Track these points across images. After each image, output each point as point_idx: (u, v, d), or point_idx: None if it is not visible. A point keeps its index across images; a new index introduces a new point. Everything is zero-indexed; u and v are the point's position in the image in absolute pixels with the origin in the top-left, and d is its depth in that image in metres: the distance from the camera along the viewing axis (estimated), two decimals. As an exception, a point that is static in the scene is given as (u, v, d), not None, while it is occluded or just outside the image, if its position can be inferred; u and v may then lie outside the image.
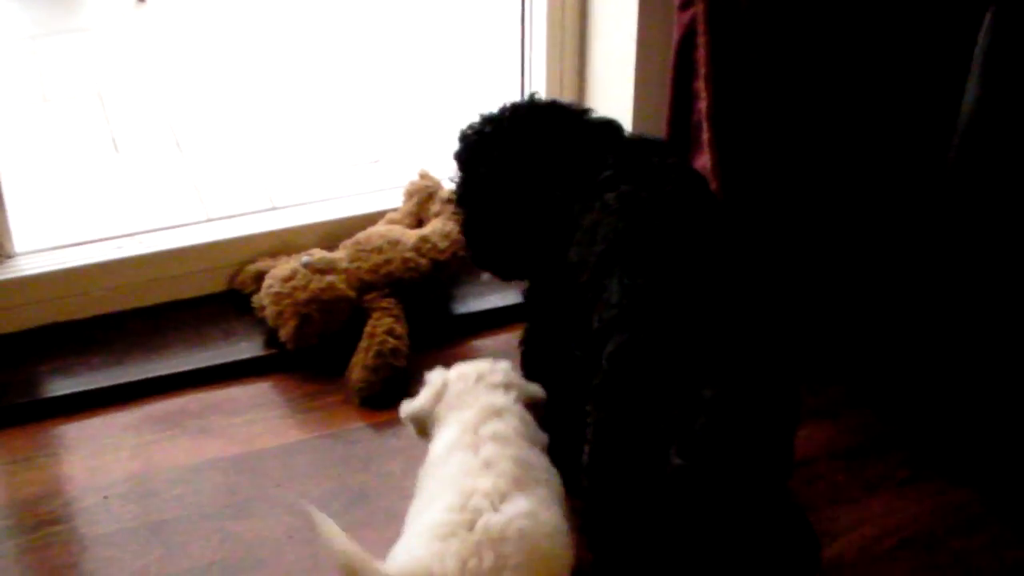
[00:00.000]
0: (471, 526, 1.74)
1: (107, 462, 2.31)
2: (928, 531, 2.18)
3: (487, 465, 1.84)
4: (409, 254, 2.60)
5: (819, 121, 2.46)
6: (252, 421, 2.40)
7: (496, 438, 1.89)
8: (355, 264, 2.60)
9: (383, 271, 2.59)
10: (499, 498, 1.78)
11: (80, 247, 2.67)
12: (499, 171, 2.17)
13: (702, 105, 2.39)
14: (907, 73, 2.46)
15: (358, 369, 2.46)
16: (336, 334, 2.54)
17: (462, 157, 2.26)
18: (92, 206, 3.05)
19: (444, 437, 1.96)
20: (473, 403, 1.97)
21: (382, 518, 2.19)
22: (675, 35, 2.40)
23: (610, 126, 2.16)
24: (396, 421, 2.37)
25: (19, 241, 2.63)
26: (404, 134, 3.42)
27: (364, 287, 2.58)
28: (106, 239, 2.70)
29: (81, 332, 2.59)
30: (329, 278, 2.55)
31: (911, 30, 2.43)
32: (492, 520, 1.74)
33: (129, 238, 2.70)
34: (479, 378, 2.01)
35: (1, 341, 2.55)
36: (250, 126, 3.48)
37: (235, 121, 3.51)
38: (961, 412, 2.39)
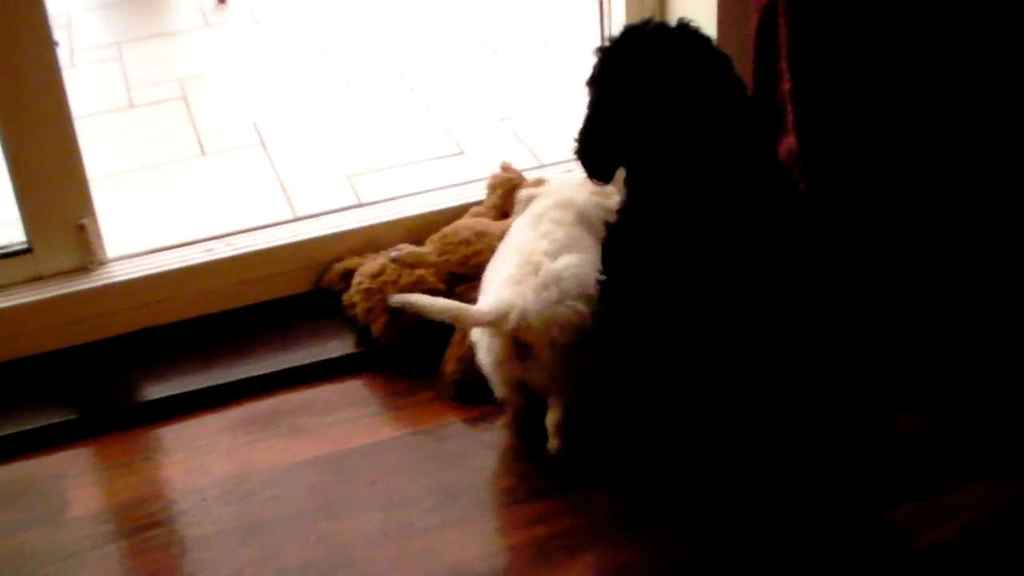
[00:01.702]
0: (536, 271, 2.22)
1: (203, 464, 2.33)
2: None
3: (543, 236, 2.32)
4: (497, 244, 2.59)
5: (908, 104, 2.40)
6: (343, 420, 2.41)
7: (553, 220, 2.35)
8: (443, 257, 2.60)
9: (472, 262, 2.59)
10: (553, 256, 2.25)
11: (170, 251, 2.69)
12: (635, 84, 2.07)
13: (786, 86, 2.35)
14: (1005, 54, 2.38)
15: (452, 361, 2.46)
16: (427, 329, 2.53)
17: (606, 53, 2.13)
18: (180, 209, 3.08)
19: (518, 221, 2.44)
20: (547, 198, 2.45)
21: (476, 513, 2.18)
22: (753, 16, 2.36)
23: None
24: (487, 416, 2.39)
25: (110, 247, 2.66)
26: (487, 125, 3.41)
27: (454, 279, 2.58)
28: (195, 242, 2.71)
29: (173, 336, 2.62)
30: (419, 271, 2.54)
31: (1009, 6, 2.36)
32: (551, 266, 2.22)
33: (218, 240, 2.72)
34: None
35: (95, 347, 2.59)
36: (334, 123, 3.49)
37: (319, 118, 3.53)
38: None
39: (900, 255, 2.42)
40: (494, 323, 2.18)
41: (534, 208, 2.46)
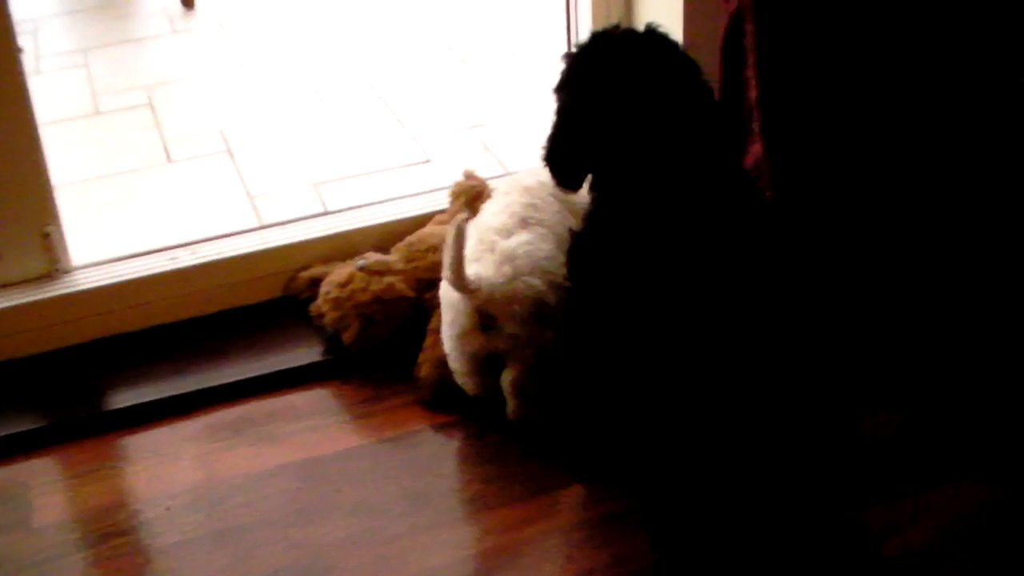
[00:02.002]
0: (492, 249, 2.33)
1: (170, 472, 2.32)
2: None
3: (493, 215, 2.42)
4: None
5: (876, 111, 2.41)
6: (312, 428, 2.40)
7: (504, 202, 2.45)
8: (411, 264, 2.60)
9: (440, 268, 2.59)
10: (507, 233, 2.36)
11: (135, 259, 2.68)
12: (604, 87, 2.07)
13: (752, 94, 2.36)
14: (973, 59, 2.39)
15: (426, 366, 2.46)
16: (398, 336, 2.53)
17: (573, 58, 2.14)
18: (146, 217, 3.06)
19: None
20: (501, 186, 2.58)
21: (445, 519, 2.18)
22: (721, 23, 2.37)
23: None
24: (456, 423, 2.39)
25: (75, 255, 2.64)
26: (454, 133, 3.41)
27: (423, 286, 2.57)
28: (161, 250, 2.70)
29: (139, 344, 2.60)
30: (388, 279, 2.54)
31: (978, 11, 2.37)
32: (504, 244, 2.33)
33: (183, 248, 2.71)
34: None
35: (60, 355, 2.57)
36: (300, 130, 3.49)
37: (286, 126, 3.52)
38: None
39: (869, 260, 2.43)
40: (472, 291, 2.28)
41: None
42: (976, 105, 2.39)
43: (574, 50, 2.11)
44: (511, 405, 2.34)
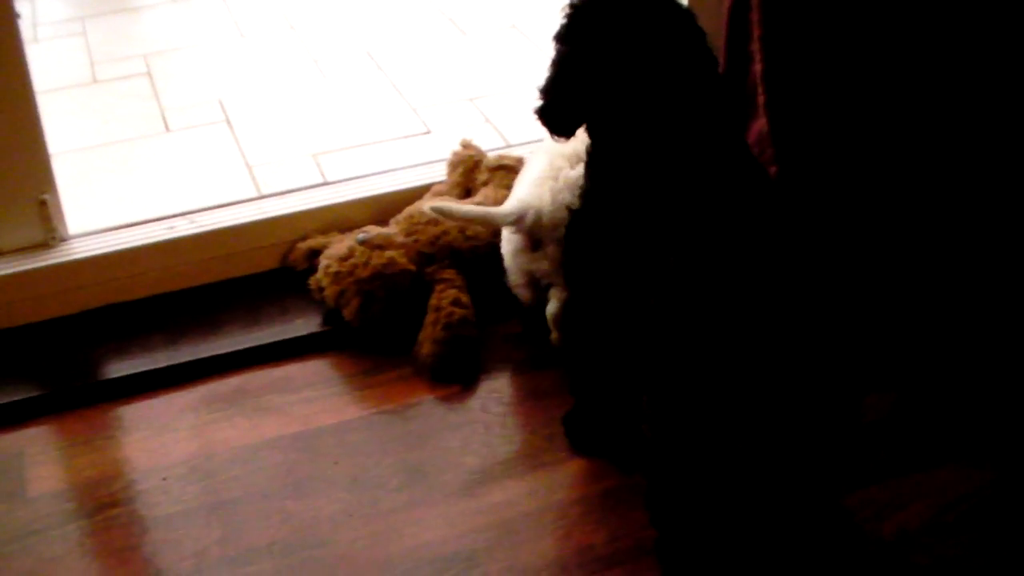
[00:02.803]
0: (556, 176, 2.39)
1: (166, 443, 2.31)
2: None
3: (567, 145, 2.33)
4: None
5: (882, 85, 2.38)
6: (309, 399, 2.39)
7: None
8: (412, 238, 2.58)
9: (442, 242, 2.57)
10: (576, 160, 2.35)
11: (132, 228, 2.66)
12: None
13: (757, 68, 2.34)
14: (980, 35, 2.37)
15: (428, 343, 2.45)
16: (397, 310, 2.52)
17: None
18: (144, 186, 3.05)
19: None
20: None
21: (442, 493, 2.17)
22: (726, -2, 2.35)
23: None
24: (454, 396, 2.38)
25: (72, 223, 2.62)
26: (454, 105, 3.39)
27: (424, 260, 2.56)
28: (158, 219, 2.69)
29: (136, 313, 2.59)
30: (389, 253, 2.52)
31: None
32: (570, 173, 2.37)
33: (181, 217, 2.69)
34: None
35: (57, 324, 2.56)
36: (300, 101, 3.47)
37: (285, 96, 3.50)
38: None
39: (871, 238, 2.42)
40: (514, 222, 2.39)
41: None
42: (983, 81, 2.37)
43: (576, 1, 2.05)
44: (553, 334, 2.43)
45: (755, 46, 2.34)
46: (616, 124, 1.99)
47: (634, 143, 1.96)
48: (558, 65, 2.05)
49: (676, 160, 1.92)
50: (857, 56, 2.35)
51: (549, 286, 2.43)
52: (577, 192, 2.24)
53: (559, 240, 2.31)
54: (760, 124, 2.37)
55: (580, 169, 2.29)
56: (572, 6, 2.03)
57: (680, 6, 2.01)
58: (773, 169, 2.33)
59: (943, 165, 2.41)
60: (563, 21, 2.04)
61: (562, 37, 2.04)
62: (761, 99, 2.35)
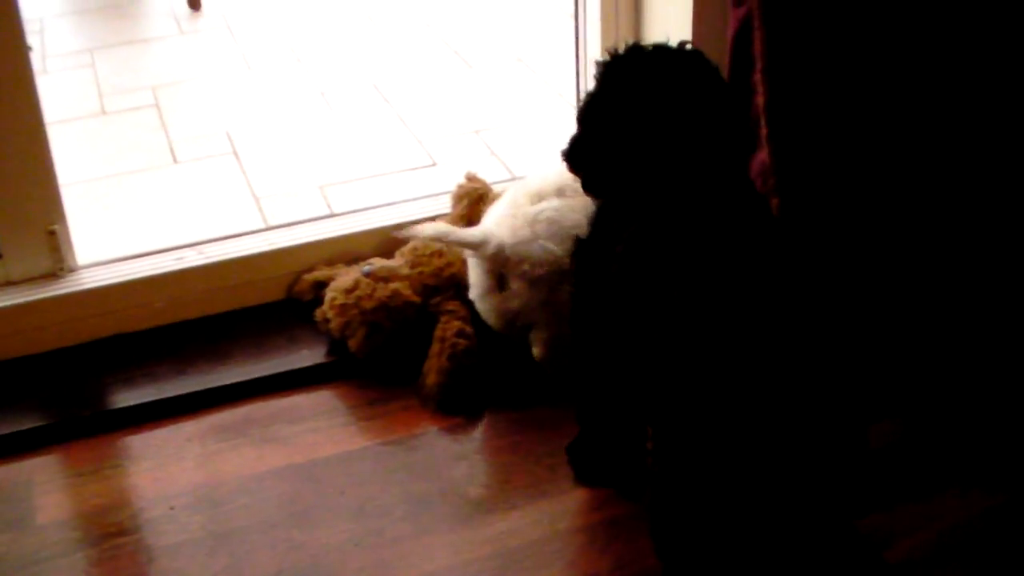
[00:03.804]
0: (515, 213, 2.44)
1: (172, 473, 2.32)
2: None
3: (546, 178, 2.49)
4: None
5: (885, 119, 2.40)
6: (315, 429, 2.40)
7: (540, 177, 2.51)
8: (417, 270, 2.60)
9: (446, 273, 2.59)
10: (537, 198, 2.45)
11: (141, 259, 2.68)
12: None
13: (759, 100, 2.36)
14: (982, 71, 2.38)
15: (432, 374, 2.46)
16: (402, 341, 2.53)
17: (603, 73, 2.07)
18: (152, 217, 3.07)
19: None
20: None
21: (447, 523, 2.18)
22: (730, 29, 2.37)
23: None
24: (459, 426, 2.39)
25: (81, 254, 2.64)
26: (460, 137, 3.41)
27: (429, 291, 2.57)
28: (166, 250, 2.70)
29: (144, 343, 2.60)
30: (393, 285, 2.54)
31: (988, 24, 2.36)
32: (529, 209, 2.43)
33: (189, 248, 2.71)
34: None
35: (65, 354, 2.57)
36: (307, 133, 3.49)
37: (292, 128, 3.52)
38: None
39: (874, 268, 2.43)
40: (476, 247, 2.42)
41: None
42: (985, 116, 2.39)
43: (608, 58, 2.06)
44: (536, 351, 2.45)
45: (758, 76, 2.35)
46: (643, 174, 2.00)
47: (655, 188, 1.97)
48: (590, 124, 2.05)
49: (685, 198, 1.93)
50: (861, 89, 2.36)
51: (528, 326, 2.45)
52: (542, 229, 2.39)
53: (525, 276, 2.39)
54: (762, 156, 2.38)
55: (540, 206, 2.44)
56: (604, 64, 2.04)
57: (709, 63, 2.01)
58: (775, 201, 2.34)
59: (947, 200, 2.42)
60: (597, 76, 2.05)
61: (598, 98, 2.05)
62: (764, 131, 2.36)
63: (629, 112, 1.98)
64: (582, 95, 2.84)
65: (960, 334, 2.45)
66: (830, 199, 2.41)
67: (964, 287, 2.45)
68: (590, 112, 2.04)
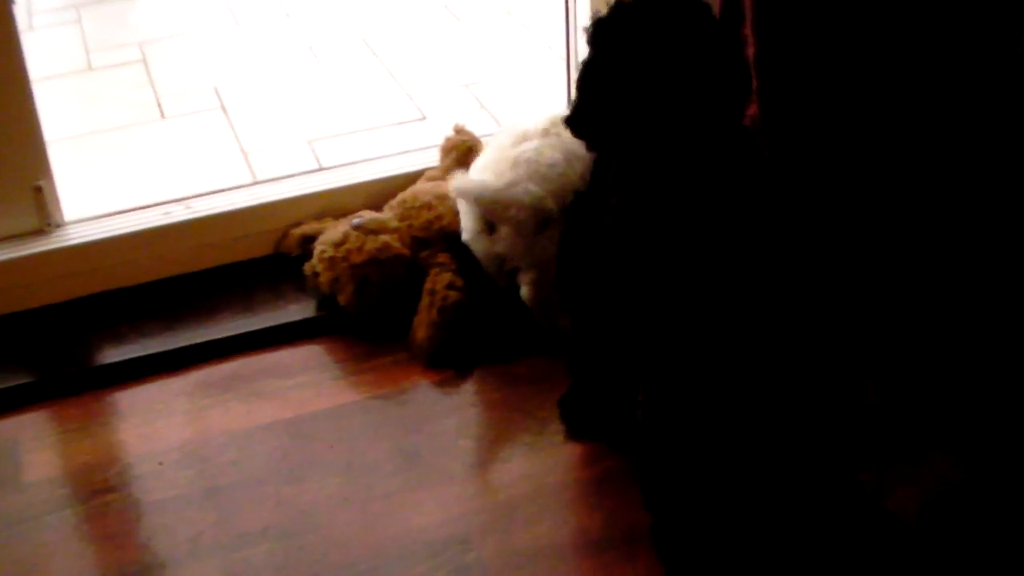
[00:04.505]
0: (502, 156, 2.45)
1: (160, 429, 2.31)
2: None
3: (534, 119, 2.51)
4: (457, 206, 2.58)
5: (875, 70, 2.37)
6: (304, 384, 2.39)
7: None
8: (406, 222, 2.58)
9: (436, 226, 2.57)
10: (522, 139, 2.46)
11: (128, 214, 2.66)
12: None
13: (750, 51, 2.34)
14: (974, 27, 2.35)
15: (422, 328, 2.44)
16: (392, 295, 2.52)
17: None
18: (139, 173, 3.05)
19: None
20: None
21: (437, 477, 2.17)
22: (720, -20, 2.34)
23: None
24: (448, 380, 2.38)
25: (67, 210, 2.62)
26: (449, 91, 3.39)
27: (418, 244, 2.56)
28: (154, 205, 2.68)
29: (131, 299, 2.58)
30: (383, 237, 2.52)
31: None
32: (510, 152, 2.43)
33: (176, 203, 2.69)
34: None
35: (52, 310, 2.55)
36: (295, 87, 3.47)
37: (280, 83, 3.50)
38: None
39: (862, 222, 2.42)
40: (465, 195, 2.43)
41: None
42: (976, 72, 2.37)
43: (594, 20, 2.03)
44: (524, 292, 2.46)
45: (748, 29, 2.33)
46: (642, 134, 1.97)
47: (652, 142, 1.95)
48: (588, 73, 2.03)
49: (681, 150, 1.91)
50: (850, 42, 2.34)
51: (515, 270, 2.45)
52: (523, 171, 2.38)
53: (511, 220, 2.38)
54: (752, 110, 2.36)
55: (521, 147, 2.44)
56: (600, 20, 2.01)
57: (712, 16, 1.98)
58: (764, 154, 2.32)
59: (934, 151, 2.41)
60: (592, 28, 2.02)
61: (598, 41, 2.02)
62: (754, 84, 2.34)
63: (626, 74, 1.96)
64: (572, 48, 2.84)
65: (948, 292, 2.44)
66: (819, 153, 2.40)
67: (952, 246, 2.44)
68: (588, 79, 2.02)
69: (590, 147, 2.07)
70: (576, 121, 2.04)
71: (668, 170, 1.90)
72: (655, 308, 1.85)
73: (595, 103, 1.99)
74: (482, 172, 2.46)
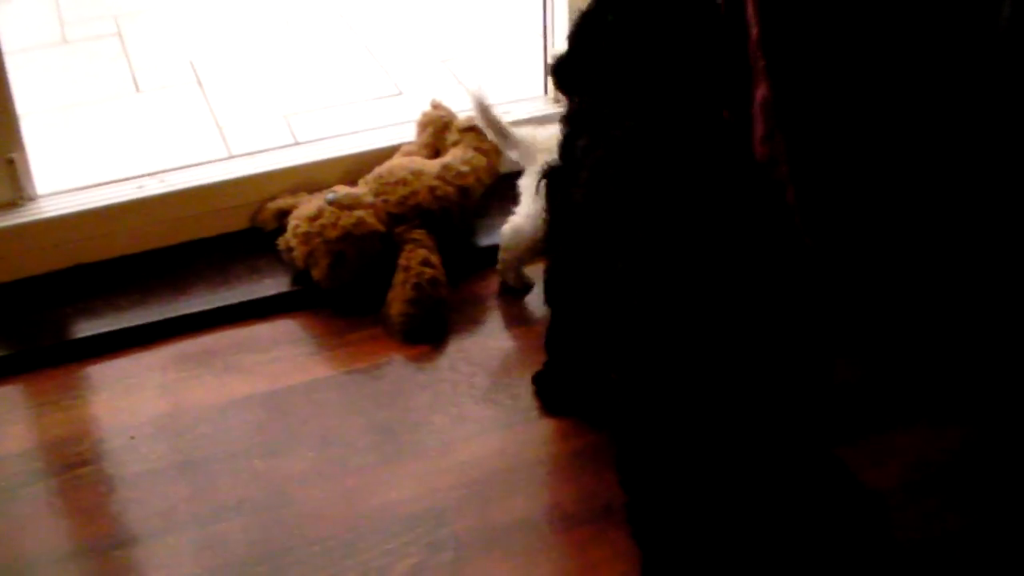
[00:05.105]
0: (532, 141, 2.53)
1: (134, 402, 2.30)
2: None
3: None
4: (434, 182, 2.57)
5: (884, 52, 2.36)
6: (278, 359, 2.39)
7: None
8: (381, 198, 2.57)
9: (411, 202, 2.56)
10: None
11: (101, 187, 2.65)
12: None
13: (753, 33, 2.33)
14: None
15: (397, 303, 2.44)
16: (367, 270, 2.51)
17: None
18: (114, 146, 3.03)
19: None
20: None
21: (410, 453, 2.17)
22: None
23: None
24: (422, 356, 2.38)
25: (41, 183, 2.60)
26: (426, 66, 3.38)
27: (393, 220, 2.55)
28: (127, 179, 2.67)
29: (105, 273, 2.57)
30: (358, 213, 2.51)
31: None
32: (539, 135, 2.51)
33: (150, 177, 2.67)
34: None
35: (26, 284, 2.54)
36: (271, 61, 3.45)
37: (256, 57, 3.48)
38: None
39: (863, 207, 2.41)
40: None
41: None
42: (980, 46, 2.36)
43: None
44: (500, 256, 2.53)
45: (751, 11, 2.32)
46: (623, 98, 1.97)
47: (628, 105, 1.95)
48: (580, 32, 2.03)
49: (656, 124, 1.91)
50: (855, 19, 2.33)
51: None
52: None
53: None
54: (762, 90, 2.35)
55: (549, 130, 2.38)
56: None
57: None
58: (778, 136, 2.31)
59: (941, 139, 2.40)
60: None
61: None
62: (761, 64, 2.33)
63: (622, 32, 1.95)
64: (549, 24, 2.84)
65: (928, 272, 2.45)
66: (832, 130, 2.38)
67: (941, 228, 2.43)
68: (583, 29, 2.01)
69: (570, 100, 2.06)
70: (562, 71, 2.03)
71: (643, 145, 1.89)
72: (627, 284, 1.84)
73: (585, 55, 1.99)
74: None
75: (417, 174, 2.58)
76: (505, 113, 2.66)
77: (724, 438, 1.81)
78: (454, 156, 2.63)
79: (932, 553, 2.00)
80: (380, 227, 2.52)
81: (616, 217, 1.87)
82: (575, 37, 2.03)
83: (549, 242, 2.16)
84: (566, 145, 2.06)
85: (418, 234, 2.52)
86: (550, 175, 2.12)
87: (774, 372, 1.81)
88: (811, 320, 1.82)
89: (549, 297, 2.20)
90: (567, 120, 2.09)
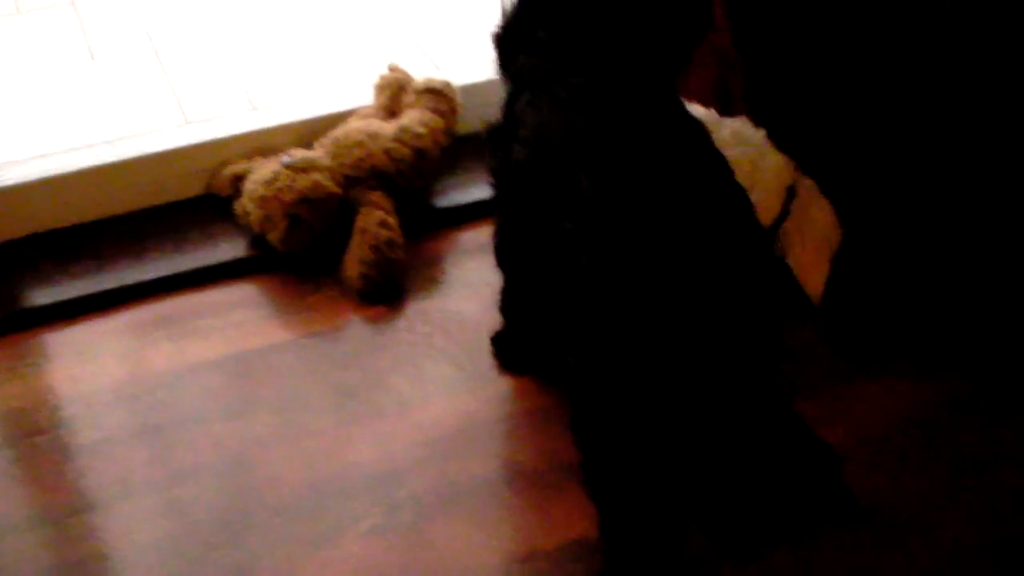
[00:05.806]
0: None
1: (91, 370, 2.29)
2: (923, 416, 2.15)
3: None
4: (391, 144, 2.56)
5: (853, 40, 2.35)
6: (237, 323, 2.38)
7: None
8: (337, 161, 2.56)
9: (367, 164, 2.55)
10: None
11: (56, 156, 2.63)
12: None
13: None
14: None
15: (354, 264, 2.43)
16: (324, 234, 2.50)
17: None
18: (68, 115, 3.00)
19: None
20: None
21: (372, 414, 2.17)
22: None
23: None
24: (381, 317, 2.37)
25: (-6, 152, 2.59)
26: (386, 32, 3.36)
27: (349, 182, 2.54)
28: (82, 147, 2.65)
29: (61, 241, 2.56)
30: (314, 176, 2.50)
31: None
32: None
33: (106, 144, 2.66)
34: None
35: (-20, 253, 2.52)
36: (228, 29, 3.42)
37: (214, 24, 3.45)
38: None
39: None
40: None
41: None
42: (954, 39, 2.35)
43: None
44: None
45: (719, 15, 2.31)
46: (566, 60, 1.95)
47: (573, 63, 1.93)
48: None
49: (607, 82, 1.89)
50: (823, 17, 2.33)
51: None
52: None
53: None
54: (723, 40, 2.34)
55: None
56: None
57: None
58: (738, 80, 2.31)
59: (918, 106, 2.39)
60: None
61: None
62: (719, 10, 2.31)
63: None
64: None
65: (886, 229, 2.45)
66: (791, 79, 2.38)
67: (922, 208, 2.43)
68: None
69: (506, 68, 2.04)
70: (504, 36, 2.01)
71: (590, 102, 1.87)
72: (571, 247, 1.83)
73: (531, 18, 1.97)
74: None
75: (373, 136, 2.57)
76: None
77: (676, 395, 1.80)
78: (411, 118, 2.62)
79: (887, 509, 2.01)
80: (336, 190, 2.51)
81: (563, 175, 1.85)
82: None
83: (494, 203, 2.14)
84: (509, 103, 2.04)
85: (375, 196, 2.51)
86: (491, 134, 2.10)
87: (726, 327, 1.80)
88: (760, 276, 1.81)
89: (499, 259, 2.19)
90: (510, 78, 2.06)
